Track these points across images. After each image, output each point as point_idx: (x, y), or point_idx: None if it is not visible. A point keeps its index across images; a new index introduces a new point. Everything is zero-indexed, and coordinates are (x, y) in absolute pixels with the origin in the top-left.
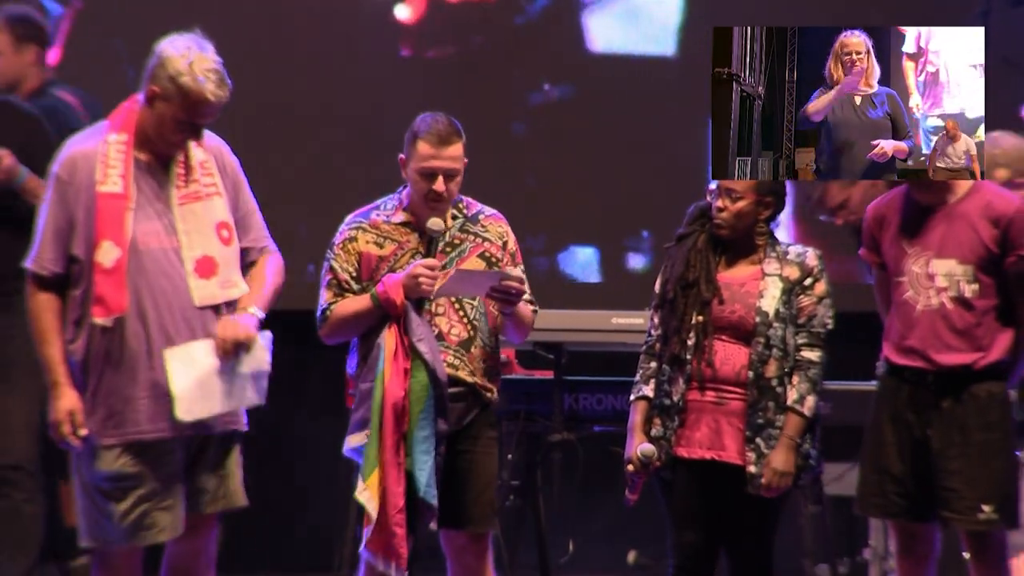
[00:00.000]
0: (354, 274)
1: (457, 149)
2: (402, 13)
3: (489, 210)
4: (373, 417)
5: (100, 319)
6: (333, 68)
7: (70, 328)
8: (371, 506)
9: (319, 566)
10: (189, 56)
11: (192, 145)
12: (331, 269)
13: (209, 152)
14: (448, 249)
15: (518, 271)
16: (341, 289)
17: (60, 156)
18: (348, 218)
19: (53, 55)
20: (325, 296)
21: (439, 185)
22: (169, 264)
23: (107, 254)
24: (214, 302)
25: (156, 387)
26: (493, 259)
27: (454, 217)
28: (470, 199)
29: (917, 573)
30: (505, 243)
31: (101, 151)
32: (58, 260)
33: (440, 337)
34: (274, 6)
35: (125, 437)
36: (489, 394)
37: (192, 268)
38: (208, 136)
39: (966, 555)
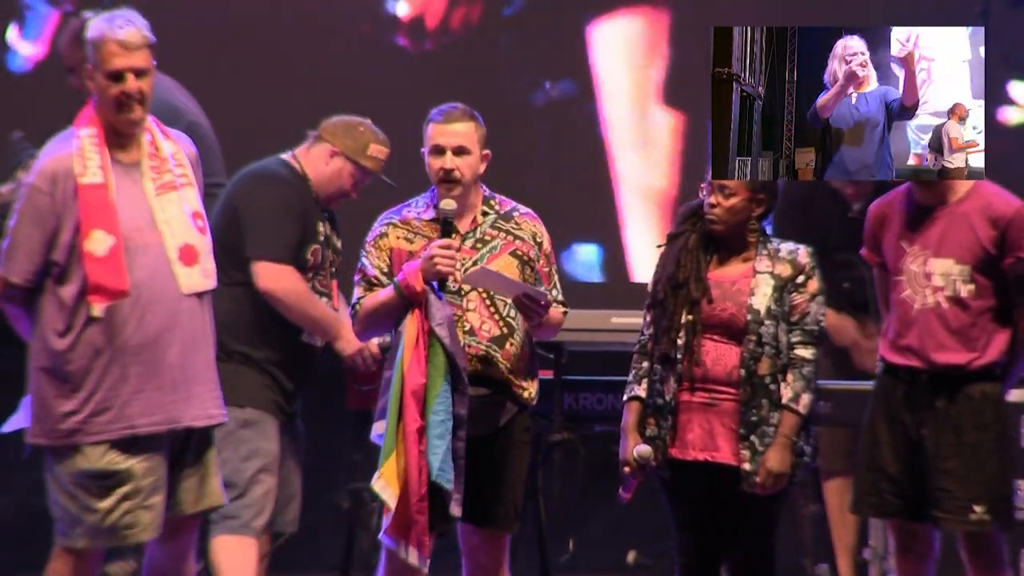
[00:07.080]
0: (385, 270)
1: (464, 127)
2: (401, 9)
3: (523, 208)
4: (392, 405)
5: (99, 307)
6: (327, 63)
7: (57, 326)
8: (386, 495)
9: (319, 566)
10: (99, 22)
11: (160, 138)
12: (362, 266)
13: (178, 145)
14: (479, 245)
15: (547, 290)
16: (370, 285)
17: (36, 166)
18: (381, 216)
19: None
20: (356, 292)
21: (447, 161)
22: (153, 259)
23: (100, 243)
24: (200, 289)
25: (148, 380)
26: (525, 258)
27: (485, 213)
28: (503, 197)
29: (916, 572)
30: (540, 243)
31: (76, 147)
32: (28, 273)
33: (472, 333)
34: (271, 3)
35: (116, 433)
36: (525, 394)
37: (176, 256)
38: (176, 133)
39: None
